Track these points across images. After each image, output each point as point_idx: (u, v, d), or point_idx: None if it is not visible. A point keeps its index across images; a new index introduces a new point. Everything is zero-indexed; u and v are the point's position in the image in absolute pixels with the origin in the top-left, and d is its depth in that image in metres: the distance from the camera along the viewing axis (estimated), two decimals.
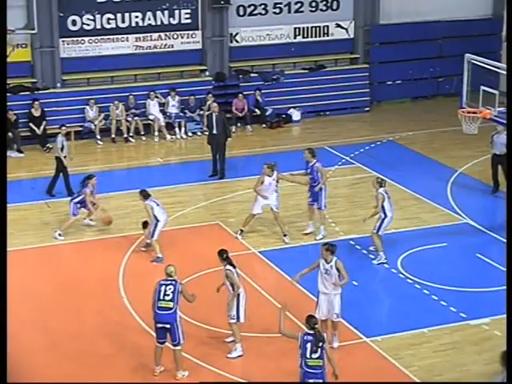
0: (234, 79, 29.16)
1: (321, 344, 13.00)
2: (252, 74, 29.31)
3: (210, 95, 27.55)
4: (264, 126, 28.58)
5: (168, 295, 14.43)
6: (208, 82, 28.69)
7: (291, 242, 19.75)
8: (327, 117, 29.62)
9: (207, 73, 28.93)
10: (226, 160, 23.99)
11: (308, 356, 13.00)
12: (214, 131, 23.88)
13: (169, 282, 14.54)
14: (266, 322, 16.18)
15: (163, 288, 14.50)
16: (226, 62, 29.03)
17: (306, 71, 29.85)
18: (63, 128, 22.70)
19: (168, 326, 14.44)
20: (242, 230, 19.90)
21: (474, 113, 19.02)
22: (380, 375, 14.81)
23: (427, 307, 17.12)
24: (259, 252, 19.19)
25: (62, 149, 22.21)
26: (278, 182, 19.95)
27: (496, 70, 19.27)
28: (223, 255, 15.38)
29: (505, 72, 19.12)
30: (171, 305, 14.40)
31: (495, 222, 20.62)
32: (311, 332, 13.09)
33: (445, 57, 30.75)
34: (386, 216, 18.76)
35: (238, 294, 15.24)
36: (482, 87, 18.88)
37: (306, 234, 20.07)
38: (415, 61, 30.83)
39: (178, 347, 14.56)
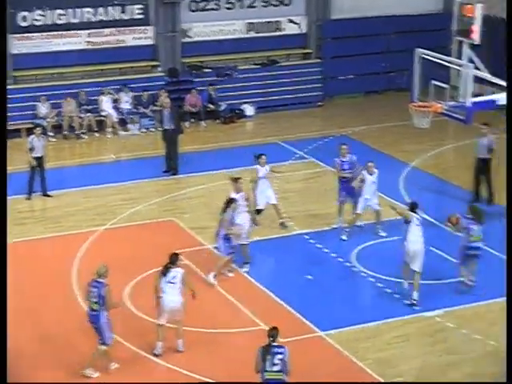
0: (187, 75, 29.10)
1: (281, 356, 12.65)
2: (205, 70, 29.29)
3: (163, 91, 27.48)
4: (218, 121, 28.56)
5: (94, 297, 14.38)
6: (161, 77, 28.61)
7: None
8: (280, 112, 29.67)
9: (160, 68, 28.84)
10: (178, 156, 23.94)
11: (268, 369, 12.66)
12: (166, 127, 23.81)
13: (95, 284, 14.42)
14: (216, 317, 16.25)
15: (90, 289, 14.44)
16: (178, 57, 28.96)
17: (259, 66, 29.91)
18: (38, 128, 22.49)
19: (95, 326, 14.47)
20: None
21: (425, 107, 19.17)
22: (335, 369, 14.90)
23: (381, 300, 17.26)
24: (214, 248, 19.15)
25: (31, 149, 21.94)
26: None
27: (446, 64, 19.43)
28: (170, 258, 15.20)
29: (455, 66, 19.33)
30: (96, 307, 14.37)
31: (447, 215, 20.79)
32: (269, 344, 12.72)
33: (396, 51, 30.96)
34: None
35: (160, 298, 15.06)
36: (433, 81, 19.04)
37: None
38: (367, 55, 31.01)
39: (103, 347, 14.53)
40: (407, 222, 16.94)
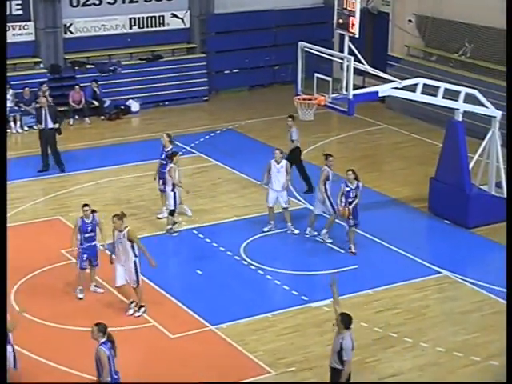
0: (70, 71, 28.71)
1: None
2: (88, 66, 28.94)
3: (45, 85, 27.02)
4: (102, 117, 28.27)
5: None
6: (43, 74, 28.13)
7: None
8: (166, 107, 29.60)
9: (42, 65, 28.35)
10: (59, 152, 23.59)
11: (115, 369, 12.47)
12: (43, 125, 23.40)
13: None
14: (105, 316, 16.12)
15: None
16: (60, 53, 28.53)
17: (144, 62, 29.75)
18: None
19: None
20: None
21: (309, 100, 19.40)
22: (226, 362, 14.97)
23: (270, 292, 17.45)
24: (102, 245, 18.93)
25: None
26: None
27: (329, 57, 19.71)
28: None
29: (336, 59, 19.62)
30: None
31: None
32: (106, 339, 12.43)
33: (279, 45, 31.27)
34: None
35: None
36: (316, 74, 19.29)
37: None
38: (251, 50, 31.20)
39: None
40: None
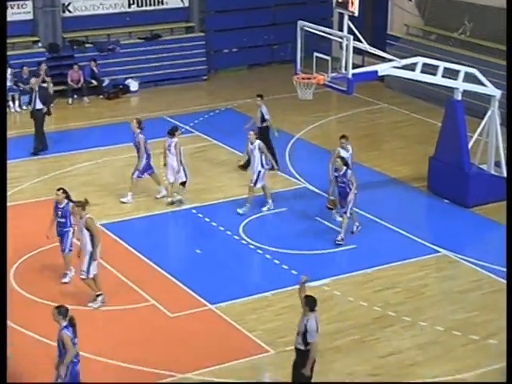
0: (69, 50, 28.62)
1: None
2: (87, 45, 28.85)
3: (43, 64, 26.93)
4: (101, 97, 28.20)
5: None
6: (41, 53, 28.04)
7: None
8: (165, 86, 29.50)
9: (40, 44, 28.26)
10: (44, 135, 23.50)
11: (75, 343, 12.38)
12: (32, 106, 23.36)
13: None
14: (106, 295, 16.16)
15: None
16: (59, 32, 28.42)
17: (142, 41, 29.64)
18: None
19: None
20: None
21: (308, 79, 19.35)
22: (225, 341, 15.01)
23: (269, 272, 17.45)
24: (101, 225, 18.95)
25: None
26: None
27: (328, 36, 19.64)
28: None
29: (336, 38, 19.56)
30: None
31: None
32: (68, 323, 12.31)
33: (279, 24, 31.14)
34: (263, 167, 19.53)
35: None
36: (315, 53, 19.23)
37: None
38: (250, 29, 31.10)
39: None
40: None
